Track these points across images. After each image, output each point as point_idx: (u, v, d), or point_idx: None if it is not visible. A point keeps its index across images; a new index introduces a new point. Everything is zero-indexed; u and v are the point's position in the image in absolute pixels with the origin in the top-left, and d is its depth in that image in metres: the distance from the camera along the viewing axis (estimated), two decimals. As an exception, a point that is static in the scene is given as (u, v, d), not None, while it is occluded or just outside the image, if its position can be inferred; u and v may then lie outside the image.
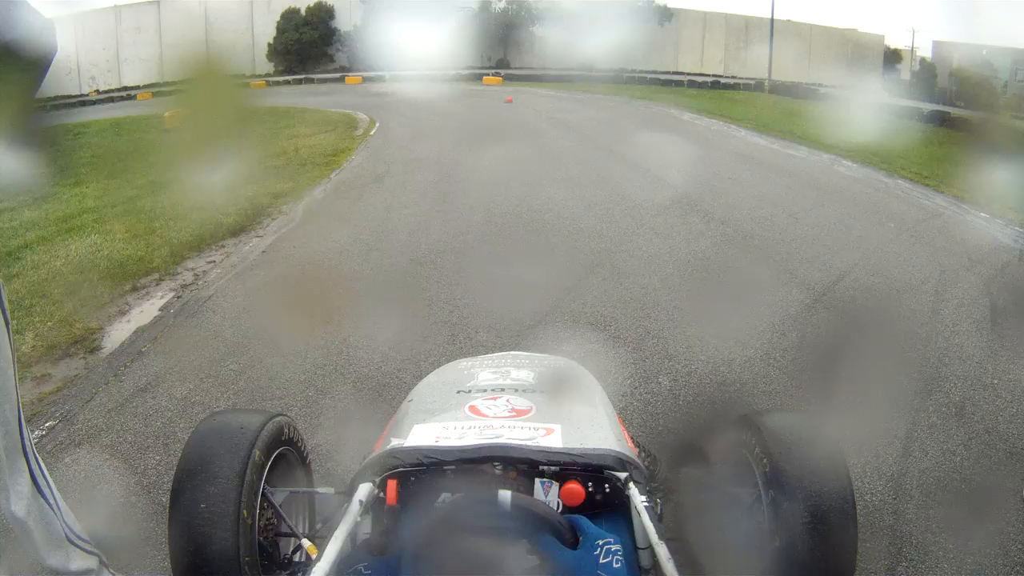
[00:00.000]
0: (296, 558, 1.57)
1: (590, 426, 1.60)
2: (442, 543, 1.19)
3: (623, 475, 1.39)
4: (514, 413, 1.60)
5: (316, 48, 38.79)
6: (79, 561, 1.76)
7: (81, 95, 33.70)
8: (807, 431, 1.54)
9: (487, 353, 2.20)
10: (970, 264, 4.98)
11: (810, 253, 5.22)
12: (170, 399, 3.12)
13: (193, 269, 5.16)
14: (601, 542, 1.22)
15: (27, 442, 1.70)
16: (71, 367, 3.53)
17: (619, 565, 1.20)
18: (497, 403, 1.65)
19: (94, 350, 3.74)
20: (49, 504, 1.72)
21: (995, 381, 3.18)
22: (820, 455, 1.42)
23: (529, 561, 1.20)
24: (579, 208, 6.77)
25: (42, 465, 1.75)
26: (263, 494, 1.50)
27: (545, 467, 1.38)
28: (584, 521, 1.28)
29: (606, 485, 1.39)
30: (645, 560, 1.31)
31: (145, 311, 4.32)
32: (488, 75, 32.33)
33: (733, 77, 35.16)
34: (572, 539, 1.25)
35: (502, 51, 39.18)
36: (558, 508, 1.35)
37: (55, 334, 3.83)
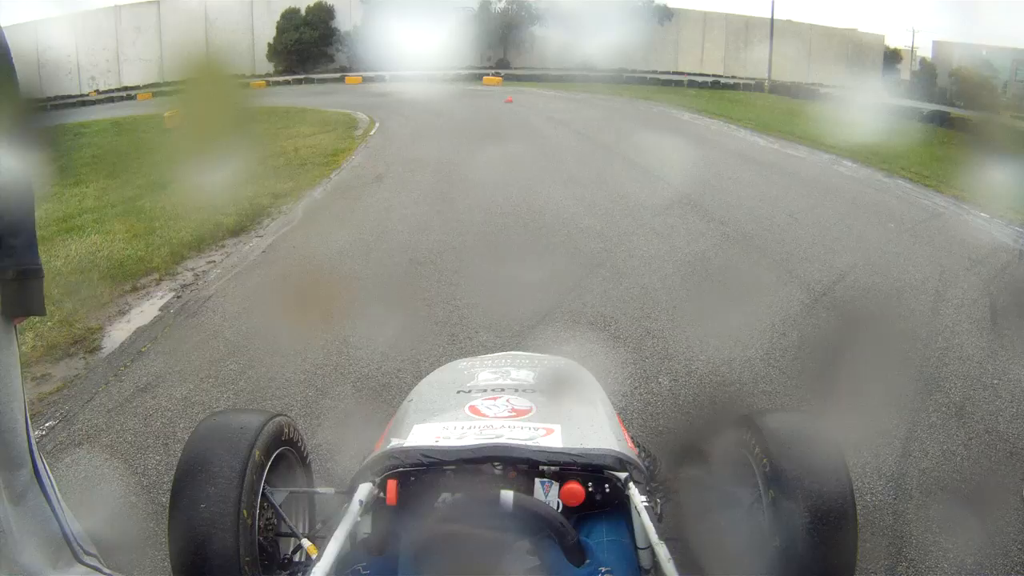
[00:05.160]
0: (296, 558, 1.57)
1: (590, 426, 1.60)
2: (442, 543, 1.19)
3: (623, 475, 1.39)
4: (514, 413, 1.60)
5: (316, 48, 38.75)
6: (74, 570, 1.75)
7: (81, 95, 33.69)
8: (807, 431, 1.55)
9: (487, 353, 2.20)
10: (970, 264, 4.97)
11: (810, 253, 5.22)
12: (170, 399, 3.12)
13: (193, 269, 5.16)
14: (604, 570, 1.23)
15: (32, 443, 1.70)
16: (71, 367, 3.53)
17: None
18: (497, 403, 1.65)
19: (94, 350, 3.74)
20: (52, 506, 1.72)
21: (995, 381, 3.18)
22: (820, 455, 1.42)
23: (529, 561, 1.21)
24: (579, 208, 6.77)
25: (46, 466, 1.75)
26: (263, 494, 1.50)
27: (545, 467, 1.38)
28: (592, 546, 1.29)
29: (606, 485, 1.39)
30: (645, 560, 1.31)
31: (145, 311, 4.32)
32: (488, 75, 32.31)
33: (733, 77, 35.12)
34: (573, 539, 1.25)
35: (502, 51, 39.14)
36: (558, 508, 1.35)
37: (55, 334, 3.83)
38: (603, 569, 1.23)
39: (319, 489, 1.74)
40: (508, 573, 1.18)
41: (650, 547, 1.27)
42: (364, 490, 1.36)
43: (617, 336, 3.72)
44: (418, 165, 9.44)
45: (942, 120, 15.35)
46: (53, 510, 1.72)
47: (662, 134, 13.79)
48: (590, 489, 1.38)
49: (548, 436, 1.47)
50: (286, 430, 1.65)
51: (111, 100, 30.07)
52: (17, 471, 1.66)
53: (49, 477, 1.74)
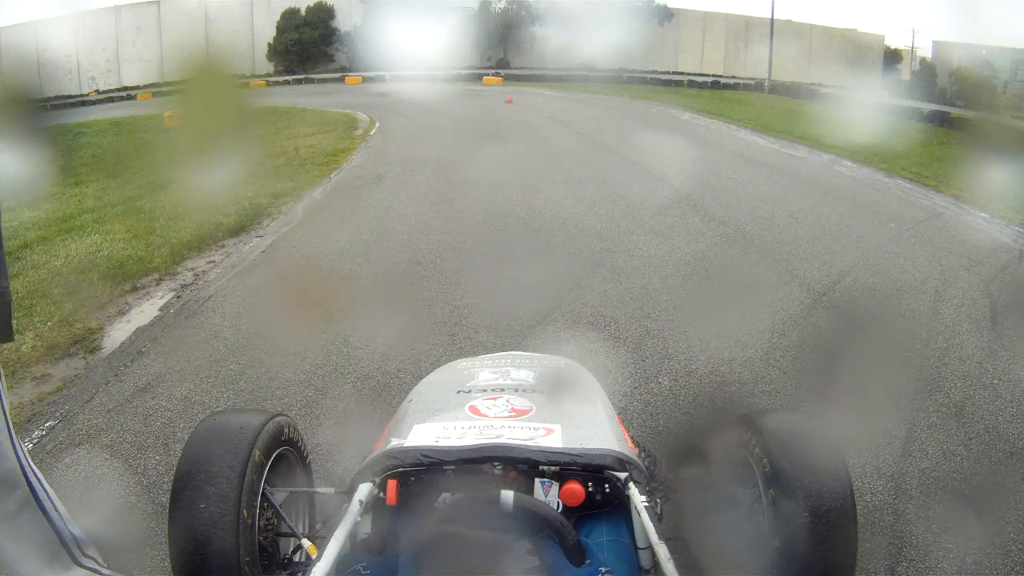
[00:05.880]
0: (296, 558, 1.57)
1: (590, 426, 1.60)
2: (443, 543, 1.19)
3: (623, 475, 1.39)
4: (514, 413, 1.60)
5: (316, 48, 38.75)
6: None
7: (81, 95, 33.68)
8: (807, 431, 1.55)
9: (487, 353, 2.20)
10: (970, 264, 4.97)
11: (810, 253, 5.22)
12: (170, 399, 3.12)
13: (193, 269, 5.16)
14: (604, 570, 1.23)
15: (22, 458, 1.67)
16: (71, 367, 3.53)
17: None
18: (497, 403, 1.66)
19: (94, 350, 3.74)
20: (49, 516, 1.70)
21: (995, 381, 3.18)
22: (820, 455, 1.42)
23: (529, 561, 1.21)
24: (579, 208, 6.77)
25: (40, 477, 1.72)
26: (263, 494, 1.50)
27: (545, 467, 1.38)
28: (592, 546, 1.29)
29: (606, 485, 1.39)
30: (645, 560, 1.31)
31: (145, 311, 4.32)
32: (488, 75, 32.30)
33: (733, 77, 35.11)
34: (573, 539, 1.25)
35: (502, 51, 39.14)
36: (558, 508, 1.36)
37: (55, 334, 3.83)
38: (603, 569, 1.23)
39: (319, 489, 1.74)
40: (508, 573, 1.18)
41: (650, 547, 1.27)
42: (364, 490, 1.36)
43: (617, 336, 3.72)
44: (418, 165, 9.44)
45: (942, 120, 15.34)
46: (50, 520, 1.70)
47: (662, 134, 13.79)
48: (590, 489, 1.38)
49: (548, 436, 1.47)
50: (286, 430, 1.65)
51: (111, 100, 30.06)
52: (11, 493, 1.63)
53: (45, 489, 1.72)
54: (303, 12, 39.02)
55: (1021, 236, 5.84)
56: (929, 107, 18.19)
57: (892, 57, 39.90)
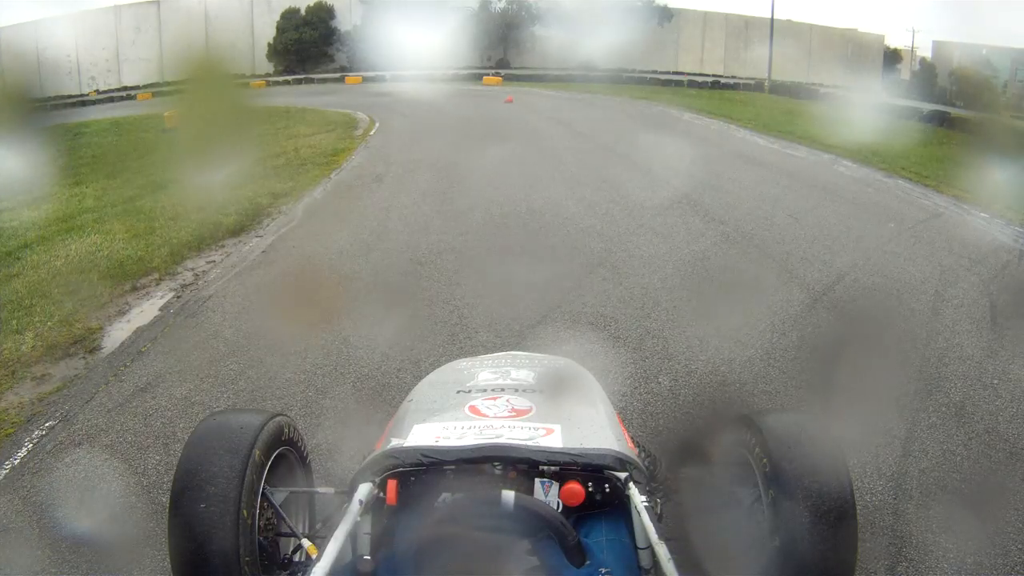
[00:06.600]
0: (296, 558, 1.57)
1: (590, 426, 1.60)
2: (443, 543, 1.19)
3: (623, 475, 1.39)
4: (514, 413, 1.60)
5: (316, 48, 38.77)
6: None
7: (81, 95, 33.69)
8: (807, 431, 1.55)
9: (487, 353, 2.21)
10: (970, 264, 4.97)
11: (810, 253, 5.22)
12: (170, 399, 3.12)
13: (193, 269, 5.15)
14: (604, 570, 1.23)
15: None
16: (71, 367, 3.53)
17: None
18: (497, 403, 1.66)
19: (94, 350, 3.74)
20: None
21: (995, 381, 3.18)
22: (820, 455, 1.42)
23: (529, 561, 1.20)
24: (579, 208, 6.77)
25: None
26: (263, 494, 1.50)
27: (545, 467, 1.38)
28: (592, 546, 1.29)
29: (606, 485, 1.39)
30: (645, 560, 1.31)
31: (145, 311, 4.32)
32: (488, 75, 32.29)
33: (733, 77, 35.11)
34: (573, 540, 1.25)
35: (502, 51, 39.13)
36: (558, 508, 1.35)
37: (55, 334, 3.83)
38: (603, 570, 1.23)
39: (319, 489, 1.74)
40: (508, 573, 1.18)
41: (650, 547, 1.26)
42: (364, 490, 1.36)
43: (617, 336, 3.72)
44: (418, 165, 9.44)
45: (942, 120, 15.34)
46: None
47: (662, 134, 13.78)
48: (590, 489, 1.38)
49: (548, 436, 1.47)
50: (286, 430, 1.65)
51: (111, 100, 30.09)
52: None
53: None
54: (303, 12, 39.03)
55: (1021, 236, 5.84)
56: (929, 107, 18.19)
57: (892, 57, 39.90)
